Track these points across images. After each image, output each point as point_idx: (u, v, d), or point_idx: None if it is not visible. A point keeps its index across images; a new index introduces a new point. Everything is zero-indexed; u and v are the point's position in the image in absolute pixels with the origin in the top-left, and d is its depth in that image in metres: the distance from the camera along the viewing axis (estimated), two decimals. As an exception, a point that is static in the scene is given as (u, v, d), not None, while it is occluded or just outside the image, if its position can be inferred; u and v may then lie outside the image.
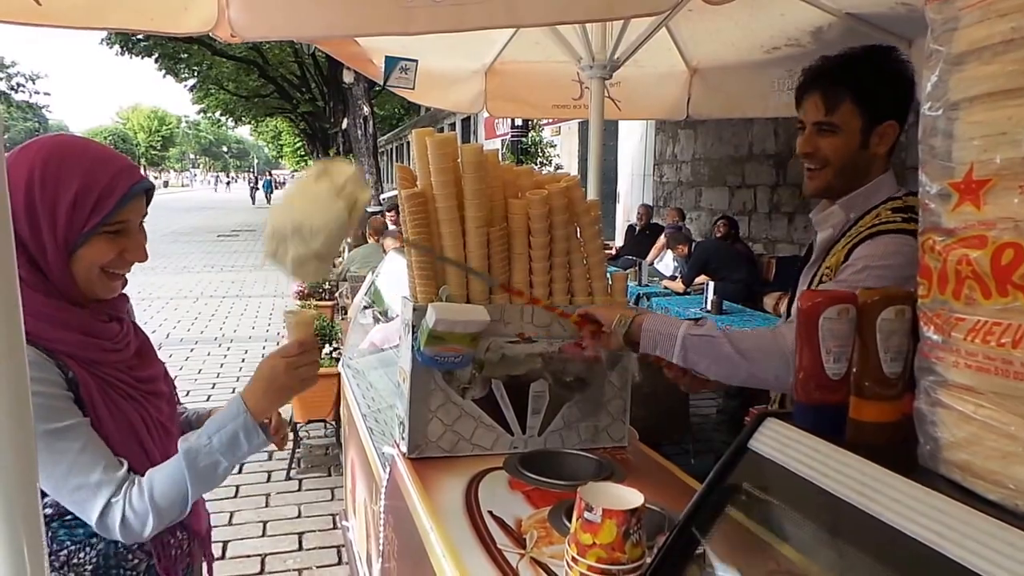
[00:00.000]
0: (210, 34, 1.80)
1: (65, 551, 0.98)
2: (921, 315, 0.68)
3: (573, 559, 0.91)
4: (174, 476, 0.98)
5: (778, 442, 0.78)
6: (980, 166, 0.59)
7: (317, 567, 2.82)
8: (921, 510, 0.61)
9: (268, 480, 3.61)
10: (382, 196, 13.52)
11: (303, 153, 42.53)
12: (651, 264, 6.26)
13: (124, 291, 1.06)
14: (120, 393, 1.01)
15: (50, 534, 0.97)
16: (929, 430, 0.66)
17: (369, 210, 9.86)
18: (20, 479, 0.55)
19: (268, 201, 38.14)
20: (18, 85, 37.26)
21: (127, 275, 1.04)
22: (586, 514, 0.89)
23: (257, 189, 41.04)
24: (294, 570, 2.80)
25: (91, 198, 0.94)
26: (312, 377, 1.07)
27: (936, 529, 0.59)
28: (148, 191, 1.02)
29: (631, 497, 0.92)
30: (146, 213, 1.04)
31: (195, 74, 23.60)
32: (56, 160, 0.94)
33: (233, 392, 5.38)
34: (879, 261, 1.17)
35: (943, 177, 0.63)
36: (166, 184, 73.38)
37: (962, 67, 0.60)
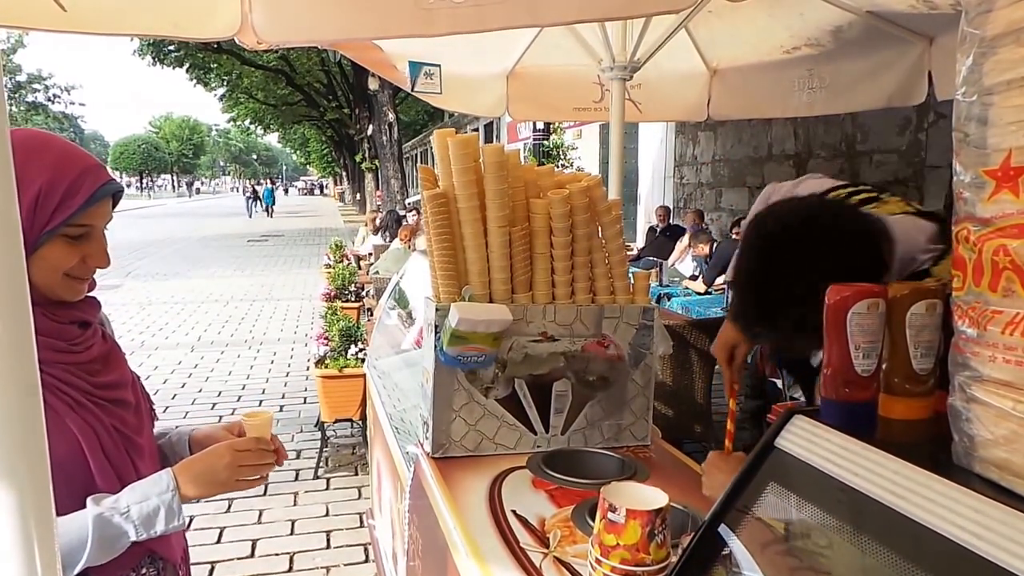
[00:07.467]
0: (235, 39, 1.82)
1: None
2: (955, 308, 0.65)
3: (597, 560, 0.90)
4: (72, 542, 0.87)
5: (806, 440, 0.76)
6: (1020, 152, 0.57)
7: (344, 565, 2.84)
8: (956, 509, 0.59)
9: (296, 479, 3.65)
10: (407, 200, 13.69)
11: (330, 159, 42.80)
12: (672, 265, 6.23)
13: (94, 295, 1.00)
14: (64, 398, 0.94)
15: None
16: (964, 427, 0.63)
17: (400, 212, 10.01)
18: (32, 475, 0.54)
19: (269, 215, 29.07)
20: (55, 96, 38.35)
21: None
22: (610, 515, 0.88)
23: (256, 199, 30.94)
24: (322, 568, 2.82)
25: (54, 197, 0.89)
26: (251, 481, 1.02)
27: (972, 529, 0.57)
28: (116, 194, 0.95)
29: (655, 497, 0.91)
30: (111, 218, 0.97)
31: (225, 83, 24.16)
32: (17, 154, 0.90)
33: (263, 393, 5.48)
34: None
35: (977, 164, 0.61)
36: (198, 191, 74.86)
37: (997, 50, 0.58)
